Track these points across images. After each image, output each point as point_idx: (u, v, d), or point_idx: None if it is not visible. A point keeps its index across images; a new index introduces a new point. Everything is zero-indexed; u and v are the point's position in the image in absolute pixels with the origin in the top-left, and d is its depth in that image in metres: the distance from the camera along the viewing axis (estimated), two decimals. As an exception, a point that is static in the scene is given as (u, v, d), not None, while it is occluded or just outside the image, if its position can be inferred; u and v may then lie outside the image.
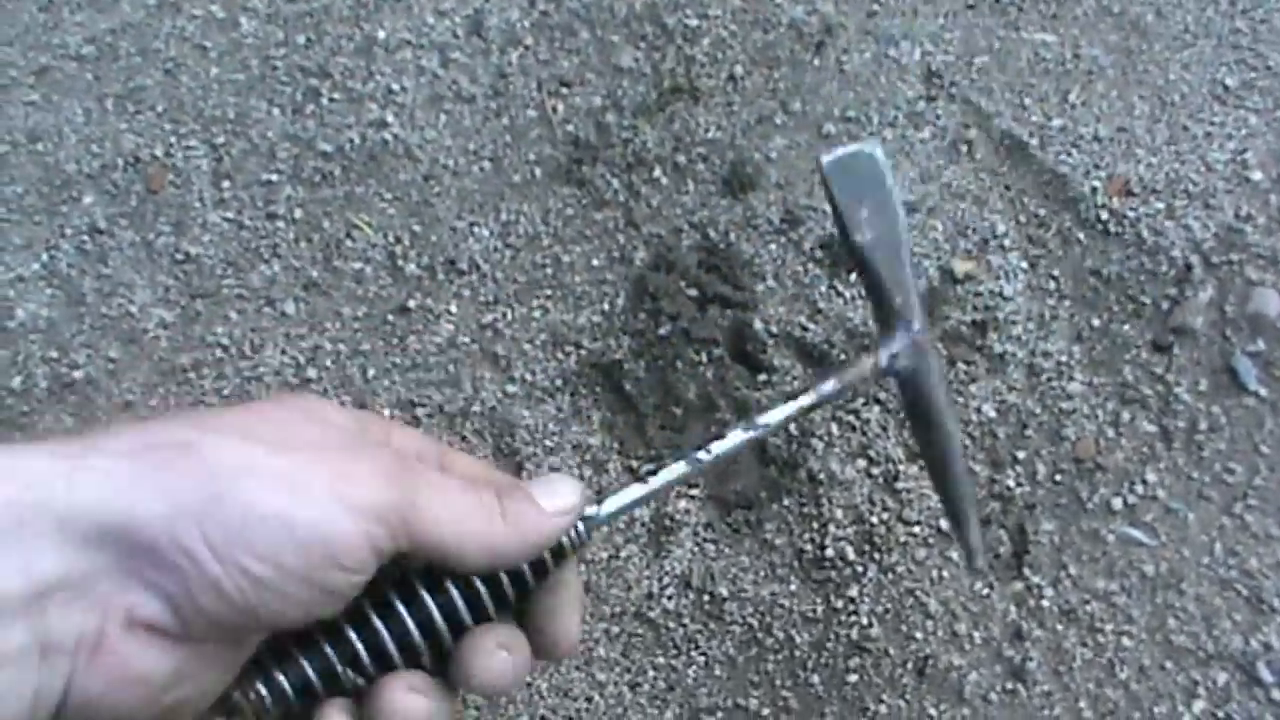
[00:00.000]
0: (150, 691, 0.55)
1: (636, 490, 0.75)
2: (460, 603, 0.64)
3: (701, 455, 0.77)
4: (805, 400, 0.81)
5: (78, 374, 1.12)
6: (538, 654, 0.69)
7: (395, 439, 0.68)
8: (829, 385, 0.81)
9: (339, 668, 0.62)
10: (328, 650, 0.62)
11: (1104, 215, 1.14)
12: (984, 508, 1.06)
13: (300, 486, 0.55)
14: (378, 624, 0.63)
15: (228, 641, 0.58)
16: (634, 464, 1.06)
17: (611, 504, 0.73)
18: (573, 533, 0.68)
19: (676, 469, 0.76)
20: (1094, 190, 1.15)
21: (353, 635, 0.62)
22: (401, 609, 0.63)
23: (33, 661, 0.51)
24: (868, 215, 0.82)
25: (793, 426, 1.07)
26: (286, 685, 0.61)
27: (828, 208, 1.11)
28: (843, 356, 1.09)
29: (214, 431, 0.56)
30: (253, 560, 0.54)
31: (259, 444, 0.56)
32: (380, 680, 0.63)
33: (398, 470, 0.60)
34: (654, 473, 0.76)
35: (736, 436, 0.78)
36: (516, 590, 0.66)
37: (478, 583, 0.65)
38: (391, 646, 0.63)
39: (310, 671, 0.62)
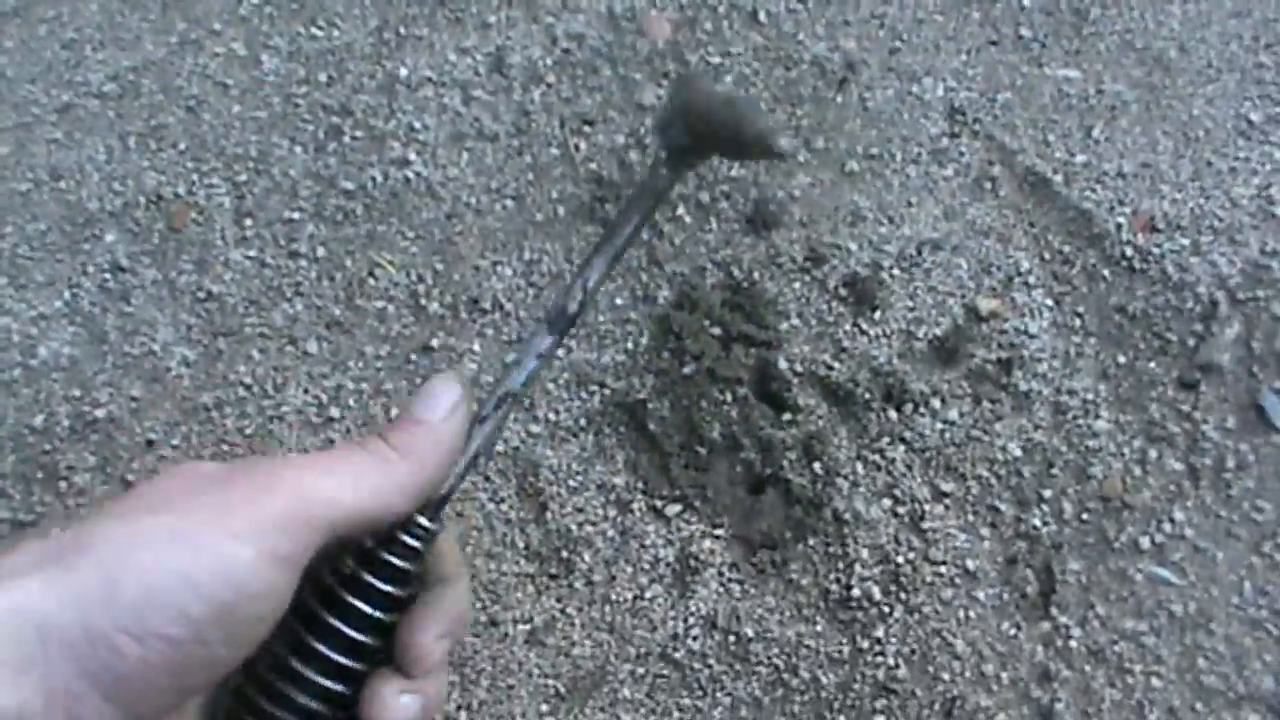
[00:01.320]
0: None
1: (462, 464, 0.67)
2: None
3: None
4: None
5: (100, 412, 1.11)
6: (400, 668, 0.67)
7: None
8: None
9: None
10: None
11: (1129, 252, 1.14)
12: (1010, 547, 1.05)
13: (184, 537, 0.55)
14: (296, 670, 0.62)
15: (171, 709, 0.59)
16: (657, 504, 1.05)
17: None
18: (415, 538, 0.65)
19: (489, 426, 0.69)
20: (1119, 226, 1.15)
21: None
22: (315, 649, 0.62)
23: None
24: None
25: (817, 465, 1.06)
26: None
27: (852, 245, 1.11)
28: (867, 395, 1.09)
29: (105, 520, 0.56)
30: (168, 626, 0.54)
31: (141, 515, 0.56)
32: None
33: (271, 477, 0.59)
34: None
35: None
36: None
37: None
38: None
39: None
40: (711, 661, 1.03)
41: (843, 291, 1.12)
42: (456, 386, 0.66)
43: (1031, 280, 1.13)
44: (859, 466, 1.07)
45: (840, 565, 1.04)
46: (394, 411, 1.11)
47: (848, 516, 1.05)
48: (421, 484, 0.63)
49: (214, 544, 0.56)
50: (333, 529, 0.59)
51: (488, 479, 1.08)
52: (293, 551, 0.58)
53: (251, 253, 1.17)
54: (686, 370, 1.09)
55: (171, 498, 0.58)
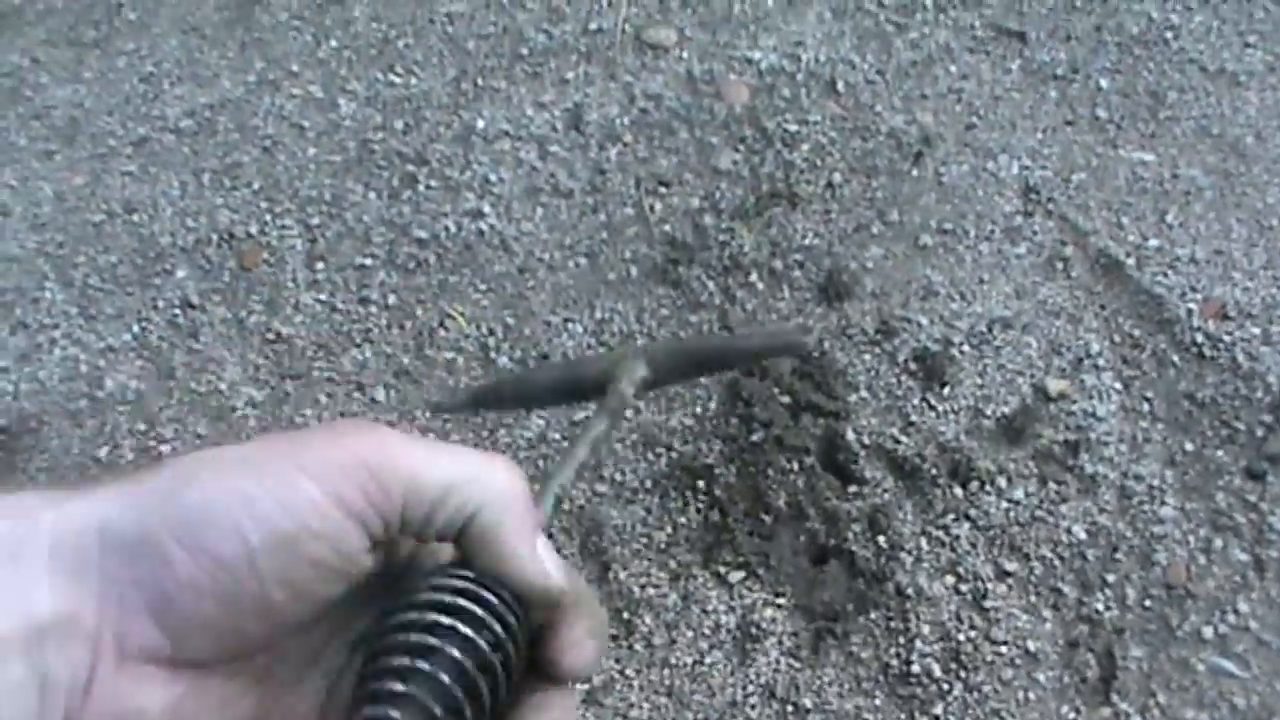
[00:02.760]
0: None
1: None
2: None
3: None
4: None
5: (165, 448, 1.12)
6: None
7: None
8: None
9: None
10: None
11: (1199, 338, 1.14)
12: (1072, 630, 1.04)
13: (254, 464, 0.51)
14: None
15: (225, 670, 0.53)
16: (720, 570, 1.05)
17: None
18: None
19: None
20: (1189, 312, 1.15)
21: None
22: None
23: (32, 699, 0.48)
24: None
25: (881, 539, 1.06)
26: None
27: (923, 319, 1.11)
28: (934, 471, 1.09)
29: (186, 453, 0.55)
30: (221, 543, 0.50)
31: (222, 449, 0.55)
32: None
33: (358, 429, 0.56)
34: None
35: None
36: None
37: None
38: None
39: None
40: (769, 731, 1.03)
41: (913, 366, 1.13)
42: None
43: (1101, 363, 1.13)
44: (923, 542, 1.07)
45: (901, 640, 1.04)
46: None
47: (910, 592, 1.05)
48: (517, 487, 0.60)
49: (280, 471, 0.52)
50: (404, 499, 0.56)
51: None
52: (358, 504, 0.53)
53: (322, 296, 1.18)
54: (754, 437, 1.09)
55: (255, 440, 0.57)
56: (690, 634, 1.05)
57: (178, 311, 1.18)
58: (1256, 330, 1.14)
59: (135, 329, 1.18)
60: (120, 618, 0.49)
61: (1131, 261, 1.17)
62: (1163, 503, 1.09)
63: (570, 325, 1.15)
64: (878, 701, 1.03)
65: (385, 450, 0.53)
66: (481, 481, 0.55)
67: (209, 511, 0.49)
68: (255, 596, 0.50)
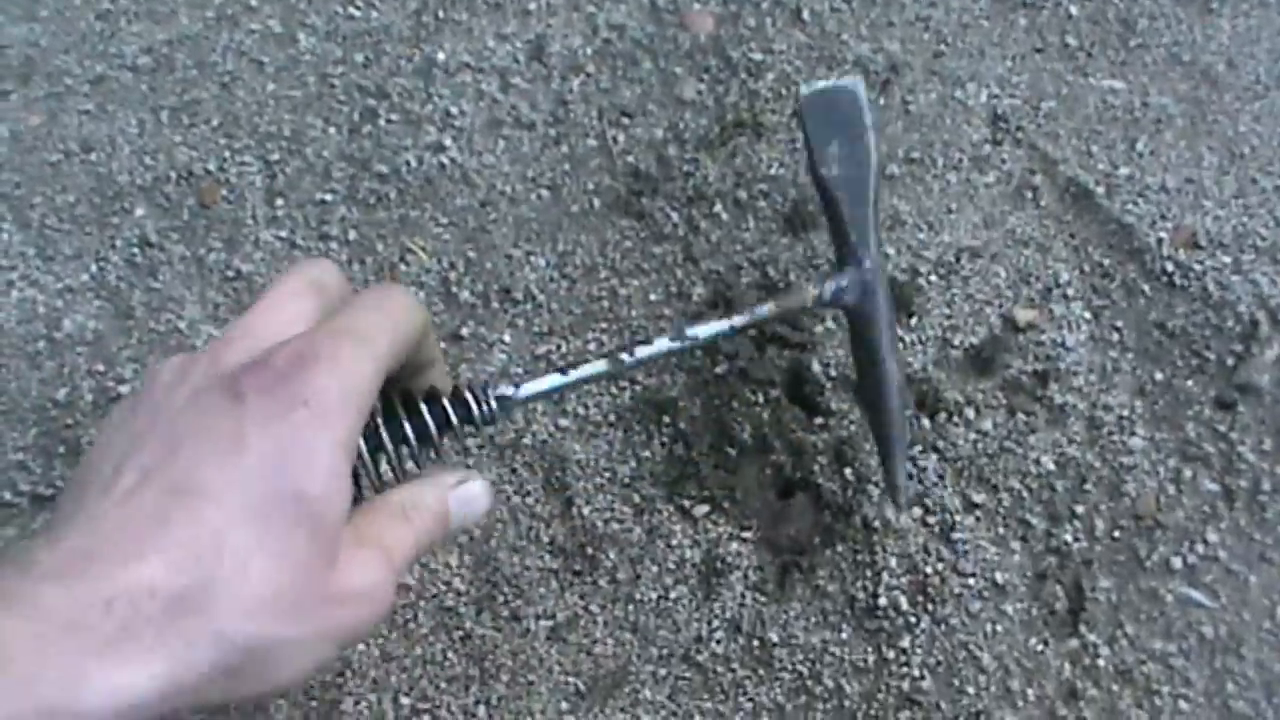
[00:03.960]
0: None
1: (553, 379, 0.80)
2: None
3: (624, 356, 0.82)
4: (738, 319, 0.85)
5: (124, 388, 1.11)
6: None
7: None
8: (765, 308, 0.86)
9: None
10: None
11: (1170, 267, 1.12)
12: (1040, 562, 1.04)
13: (271, 667, 0.60)
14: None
15: None
16: (685, 503, 1.04)
17: (528, 388, 0.78)
18: (485, 407, 0.75)
19: (596, 365, 0.82)
20: (1160, 241, 1.13)
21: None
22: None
23: None
24: (837, 151, 0.88)
25: (848, 471, 1.05)
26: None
27: (890, 249, 1.10)
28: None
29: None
30: None
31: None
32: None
33: (382, 581, 0.65)
34: (574, 366, 0.81)
35: (662, 344, 0.83)
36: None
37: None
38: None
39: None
40: (735, 666, 1.02)
41: (879, 296, 1.11)
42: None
43: (1070, 292, 1.11)
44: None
45: (868, 573, 1.03)
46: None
47: (877, 524, 1.04)
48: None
49: None
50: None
51: (514, 471, 1.07)
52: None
53: (282, 233, 1.16)
54: (719, 370, 1.08)
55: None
56: (655, 569, 1.04)
57: (136, 250, 1.17)
58: (1227, 259, 1.13)
59: (93, 269, 1.16)
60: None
61: (1101, 190, 1.16)
62: (1132, 433, 1.08)
63: (532, 258, 1.14)
64: (844, 635, 1.02)
65: None
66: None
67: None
68: None
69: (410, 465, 0.73)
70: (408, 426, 0.72)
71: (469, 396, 0.75)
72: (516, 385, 0.78)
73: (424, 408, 0.73)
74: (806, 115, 0.90)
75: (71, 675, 0.53)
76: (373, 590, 0.63)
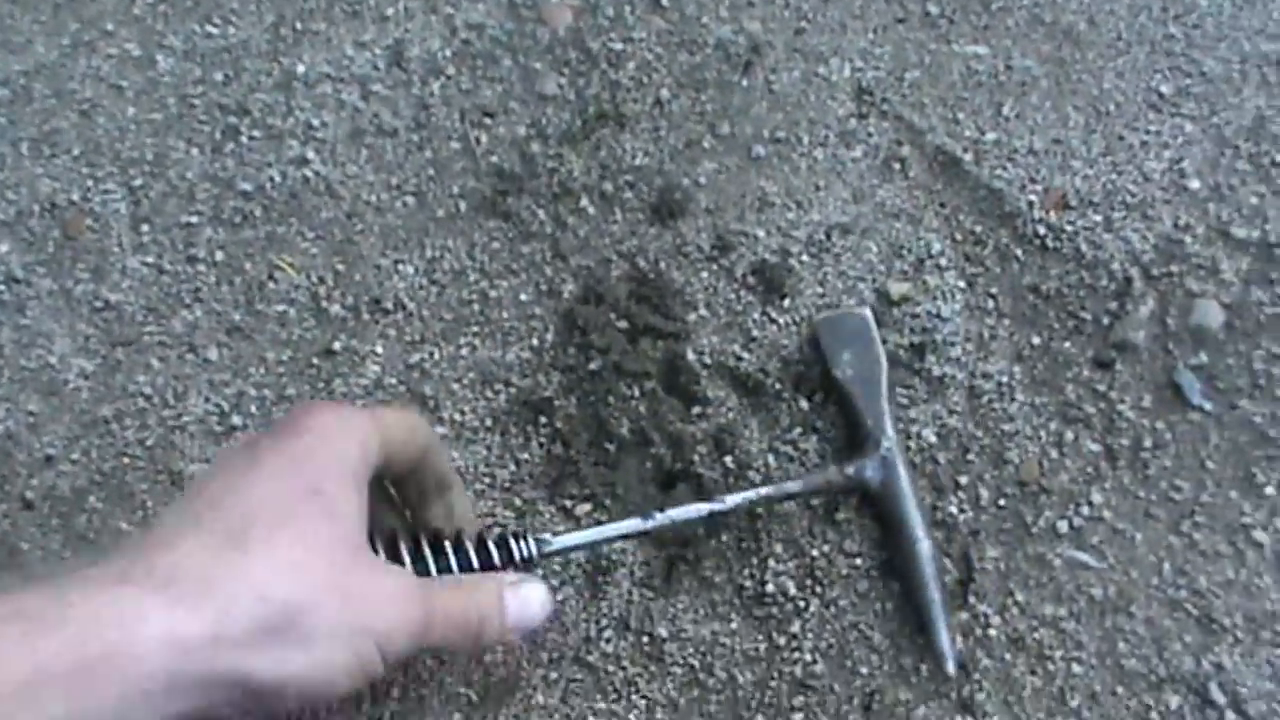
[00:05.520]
0: None
1: (589, 533, 0.93)
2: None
3: (656, 515, 0.94)
4: (765, 490, 0.98)
5: (-3, 428, 1.08)
6: None
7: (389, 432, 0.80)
8: (793, 484, 0.98)
9: None
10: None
11: (1041, 230, 1.12)
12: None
13: (310, 638, 0.68)
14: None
15: None
16: (566, 503, 1.03)
17: (563, 540, 0.90)
18: (526, 548, 0.87)
19: (629, 523, 0.94)
20: (1030, 205, 1.13)
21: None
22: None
23: None
24: (850, 358, 1.04)
25: (729, 459, 1.04)
26: None
27: (760, 232, 1.09)
28: (777, 385, 1.07)
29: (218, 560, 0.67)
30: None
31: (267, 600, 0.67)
32: None
33: (412, 592, 0.73)
34: (603, 522, 0.95)
35: (695, 508, 0.96)
36: None
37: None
38: None
39: None
40: (625, 664, 1.01)
41: (751, 279, 1.11)
42: (545, 606, 0.83)
43: (943, 262, 1.11)
44: (770, 458, 1.05)
45: (754, 560, 1.03)
46: (296, 418, 1.08)
47: (760, 511, 1.03)
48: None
49: (340, 641, 0.70)
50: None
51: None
52: (397, 653, 0.74)
53: (149, 259, 1.14)
54: (593, 366, 1.07)
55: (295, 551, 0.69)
56: (539, 572, 1.03)
57: (2, 287, 1.15)
58: (1098, 218, 1.13)
59: (-40, 309, 1.14)
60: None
61: (969, 157, 1.15)
62: (1012, 399, 1.07)
63: (400, 267, 1.13)
64: (734, 625, 1.02)
65: (432, 624, 0.74)
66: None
67: (282, 688, 0.67)
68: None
69: None
70: (453, 561, 0.83)
71: (510, 540, 0.86)
72: (554, 534, 0.90)
73: (469, 547, 0.84)
74: (821, 331, 1.06)
75: (129, 616, 0.60)
76: (397, 593, 0.71)
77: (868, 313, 1.07)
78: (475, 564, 0.84)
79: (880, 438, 1.01)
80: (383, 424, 0.77)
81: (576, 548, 0.93)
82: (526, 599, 0.80)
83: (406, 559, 0.80)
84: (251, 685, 0.65)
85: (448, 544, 0.84)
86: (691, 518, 0.96)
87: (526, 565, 0.88)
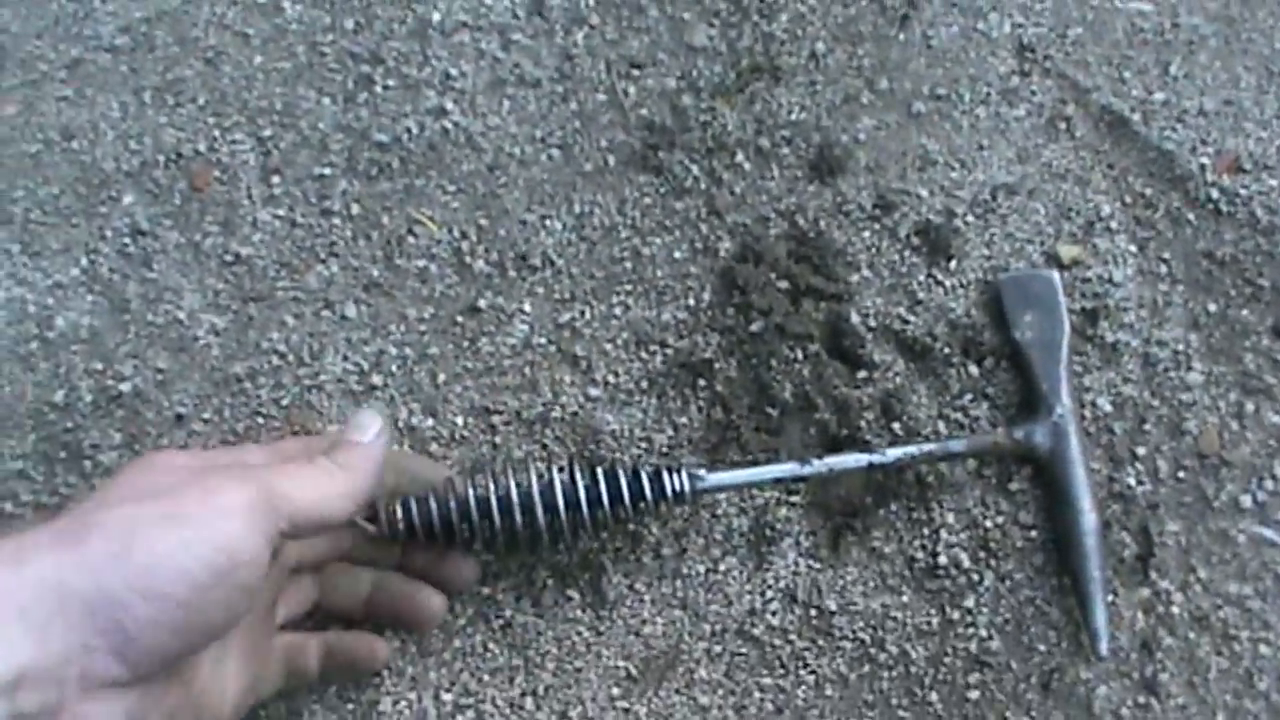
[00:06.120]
0: None
1: (742, 473, 0.93)
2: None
3: (814, 461, 0.94)
4: (929, 447, 0.96)
5: (125, 386, 1.05)
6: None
7: (247, 457, 0.88)
8: (957, 443, 0.96)
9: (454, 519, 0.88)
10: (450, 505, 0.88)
11: (1214, 194, 1.08)
12: (1104, 509, 0.99)
13: (181, 515, 0.69)
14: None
15: (169, 675, 0.71)
16: (728, 470, 0.99)
17: (718, 477, 0.92)
18: (679, 482, 0.90)
19: (785, 466, 0.94)
20: (1202, 167, 1.09)
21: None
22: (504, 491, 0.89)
23: None
24: (1031, 320, 1.01)
25: (896, 425, 1.00)
26: (416, 512, 0.88)
27: (923, 191, 1.05)
28: (946, 350, 1.03)
29: (102, 508, 0.69)
30: (173, 585, 0.66)
31: (139, 499, 0.70)
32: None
33: (245, 471, 0.75)
34: (766, 463, 0.96)
35: (854, 458, 0.94)
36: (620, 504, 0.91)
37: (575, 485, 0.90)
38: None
39: (435, 514, 0.88)
40: (793, 637, 0.97)
41: (915, 240, 1.06)
42: (379, 417, 0.86)
43: (1113, 225, 1.07)
44: (941, 425, 1.01)
45: (925, 531, 0.99)
46: (441, 377, 1.04)
47: (930, 480, 0.99)
48: (356, 491, 0.80)
49: (208, 519, 0.69)
50: (291, 521, 0.74)
51: (544, 447, 1.01)
52: (267, 531, 0.72)
53: (280, 212, 1.10)
54: (754, 327, 1.02)
55: (158, 487, 0.72)
56: (701, 541, 0.99)
57: (127, 240, 1.11)
58: (1274, 182, 1.08)
59: (84, 262, 1.10)
60: (85, 660, 0.65)
61: (1137, 117, 1.11)
62: (1189, 368, 1.03)
63: (548, 222, 1.08)
64: (905, 598, 0.98)
65: (271, 487, 0.74)
66: (331, 503, 0.79)
67: (160, 564, 0.67)
68: (201, 621, 0.69)
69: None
70: (603, 490, 0.89)
71: (664, 474, 0.90)
72: (709, 471, 0.93)
73: (621, 477, 0.90)
74: (1003, 290, 1.03)
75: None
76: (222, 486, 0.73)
77: (1055, 275, 1.03)
78: (625, 495, 0.89)
79: (1055, 404, 0.98)
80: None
81: (732, 486, 0.93)
82: (354, 418, 0.86)
83: (560, 493, 0.89)
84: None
85: (599, 471, 0.89)
86: (850, 467, 0.94)
87: (679, 500, 0.91)
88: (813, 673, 0.97)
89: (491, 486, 0.89)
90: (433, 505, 0.88)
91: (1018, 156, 1.10)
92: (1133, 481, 1.00)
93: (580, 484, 0.88)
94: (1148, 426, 1.01)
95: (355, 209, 1.10)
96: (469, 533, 0.89)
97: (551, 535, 0.90)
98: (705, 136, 1.10)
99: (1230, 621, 0.97)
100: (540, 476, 0.89)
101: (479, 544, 0.91)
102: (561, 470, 0.90)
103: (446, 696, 0.97)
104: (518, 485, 0.88)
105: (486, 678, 0.97)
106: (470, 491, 0.88)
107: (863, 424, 1.00)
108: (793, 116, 1.11)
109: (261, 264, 1.09)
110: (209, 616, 0.69)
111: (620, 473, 0.89)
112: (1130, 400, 1.02)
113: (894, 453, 0.94)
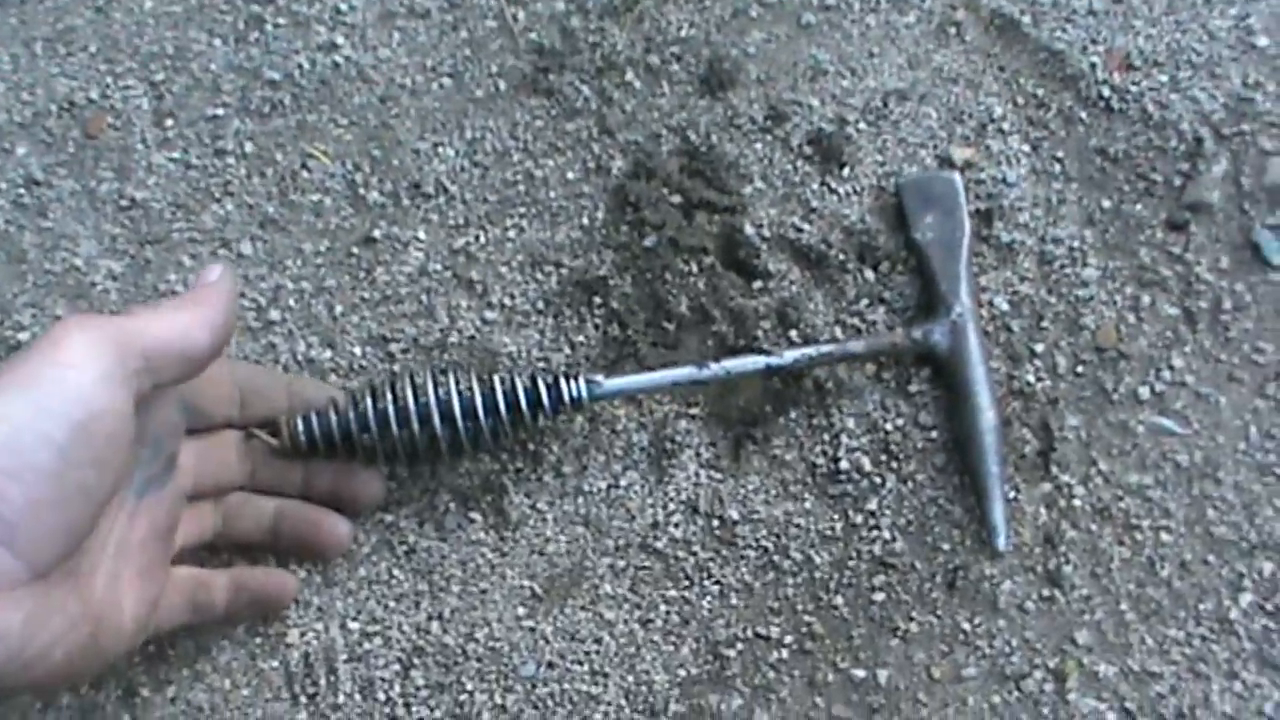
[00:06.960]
0: (10, 647, 0.65)
1: (639, 378, 0.93)
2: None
3: (711, 365, 0.94)
4: (826, 348, 0.96)
5: (23, 335, 1.04)
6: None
7: None
8: (856, 344, 0.96)
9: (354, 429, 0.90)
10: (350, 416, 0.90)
11: (1106, 92, 1.08)
12: (1005, 407, 0.99)
13: (26, 379, 0.66)
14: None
15: (65, 578, 0.70)
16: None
17: (615, 383, 0.93)
18: (576, 388, 0.91)
19: (682, 370, 0.93)
20: (1093, 66, 1.08)
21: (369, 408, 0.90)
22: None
23: None
24: (932, 221, 1.02)
25: (794, 333, 1.00)
26: (317, 425, 0.89)
27: (814, 100, 1.05)
28: (841, 257, 1.03)
29: None
30: (38, 454, 0.64)
31: None
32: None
33: (94, 319, 0.72)
34: (661, 368, 0.95)
35: (751, 360, 0.94)
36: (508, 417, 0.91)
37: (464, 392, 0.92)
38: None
39: (335, 426, 0.90)
40: (696, 548, 0.97)
41: (808, 150, 1.06)
42: (225, 265, 0.83)
43: (1006, 127, 1.07)
44: (838, 331, 1.01)
45: (826, 437, 0.99)
46: (338, 309, 1.03)
47: (830, 385, 0.99)
48: (212, 322, 0.77)
49: (56, 376, 0.66)
50: (147, 358, 0.72)
51: (443, 372, 1.01)
52: (120, 372, 0.69)
53: (175, 154, 1.10)
54: (647, 243, 1.02)
55: (7, 362, 0.69)
56: (601, 457, 0.99)
57: (22, 190, 1.10)
58: (1164, 78, 1.08)
59: (-22, 215, 1.09)
60: None
61: (1027, 19, 1.11)
62: (1085, 264, 1.03)
63: (440, 150, 1.08)
64: (808, 504, 0.98)
65: (120, 325, 0.72)
66: (188, 332, 0.77)
67: (16, 435, 0.65)
68: (77, 485, 0.67)
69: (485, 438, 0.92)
70: (499, 396, 0.90)
71: (561, 380, 0.91)
72: (604, 379, 0.93)
73: (518, 385, 0.91)
74: (904, 192, 1.03)
75: None
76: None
77: (956, 176, 1.03)
78: (523, 403, 0.90)
79: (954, 303, 0.98)
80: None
81: (629, 391, 0.93)
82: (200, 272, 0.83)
83: (458, 401, 0.90)
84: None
85: (497, 379, 0.91)
86: (748, 370, 0.94)
87: (577, 407, 0.93)
88: (717, 583, 0.97)
89: (390, 397, 0.90)
90: (333, 418, 0.89)
91: (908, 63, 1.10)
92: (1032, 378, 1.00)
93: (479, 392, 0.89)
94: (1045, 323, 1.01)
95: (249, 147, 1.10)
96: (370, 443, 0.90)
97: (452, 445, 0.91)
98: (595, 57, 1.10)
99: (1131, 511, 0.97)
100: (439, 385, 0.90)
101: (380, 458, 0.91)
102: (459, 380, 0.91)
103: (353, 625, 0.97)
104: (416, 395, 0.90)
105: (392, 604, 0.97)
106: (370, 403, 0.89)
107: (760, 333, 1.00)
108: (682, 33, 1.11)
109: (157, 207, 1.08)
110: (85, 478, 0.67)
111: (518, 381, 0.90)
112: (1027, 298, 1.02)
113: (791, 354, 0.95)
